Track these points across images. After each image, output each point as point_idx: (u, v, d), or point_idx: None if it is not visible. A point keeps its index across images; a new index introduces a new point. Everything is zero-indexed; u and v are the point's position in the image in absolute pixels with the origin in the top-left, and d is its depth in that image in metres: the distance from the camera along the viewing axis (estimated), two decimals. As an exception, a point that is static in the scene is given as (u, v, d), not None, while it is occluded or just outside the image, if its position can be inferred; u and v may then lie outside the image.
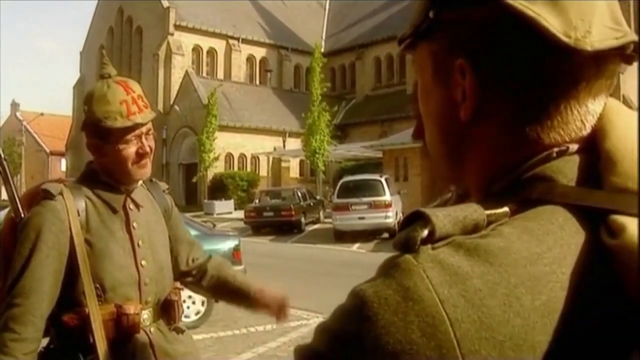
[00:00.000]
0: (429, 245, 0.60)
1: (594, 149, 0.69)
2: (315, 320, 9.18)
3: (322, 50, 46.21)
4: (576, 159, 0.69)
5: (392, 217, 21.29)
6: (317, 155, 32.34)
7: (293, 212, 24.67)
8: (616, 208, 0.62)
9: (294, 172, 42.73)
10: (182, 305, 2.39)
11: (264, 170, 41.59)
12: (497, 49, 0.68)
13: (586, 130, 0.70)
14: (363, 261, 16.74)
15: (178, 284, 2.44)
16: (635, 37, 0.69)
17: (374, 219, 21.11)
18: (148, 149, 2.21)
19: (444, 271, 0.58)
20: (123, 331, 2.13)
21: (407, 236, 0.61)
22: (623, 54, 0.70)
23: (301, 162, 41.16)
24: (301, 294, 11.27)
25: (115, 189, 2.24)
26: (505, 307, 0.57)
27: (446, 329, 0.56)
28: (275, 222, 24.62)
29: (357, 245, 20.25)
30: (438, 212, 0.61)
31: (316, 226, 26.31)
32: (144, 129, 2.19)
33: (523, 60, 0.67)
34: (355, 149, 34.82)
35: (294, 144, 39.60)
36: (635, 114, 0.72)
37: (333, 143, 33.88)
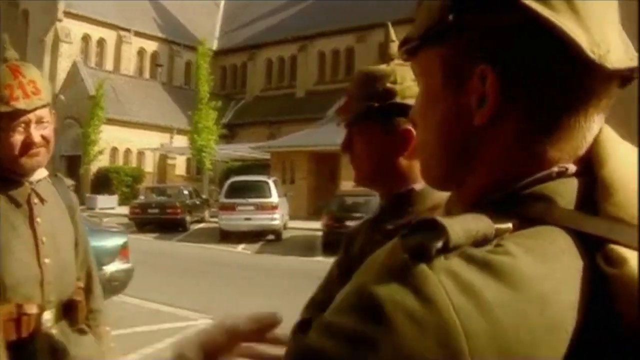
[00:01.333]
0: (442, 256, 0.60)
1: (589, 173, 0.70)
2: (203, 321, 9.20)
3: (215, 48, 46.29)
4: (574, 181, 0.70)
5: (278, 219, 21.61)
6: (203, 154, 32.31)
7: (179, 210, 24.52)
8: (614, 238, 0.64)
9: (180, 169, 42.35)
10: (85, 307, 2.30)
11: (149, 167, 40.95)
12: (523, 57, 0.68)
13: (583, 150, 0.72)
14: (248, 262, 17.00)
15: (81, 284, 2.34)
16: None
17: (260, 220, 21.33)
18: (37, 139, 2.07)
19: (458, 283, 0.58)
20: (23, 332, 2.02)
21: (421, 244, 0.61)
22: (625, 76, 0.71)
23: (188, 160, 40.91)
24: (188, 293, 11.32)
25: (18, 181, 2.13)
26: (515, 323, 0.57)
27: (460, 339, 0.56)
28: (161, 220, 24.35)
29: (242, 246, 20.39)
30: (453, 223, 0.62)
31: (201, 225, 26.22)
32: (32, 117, 2.06)
33: (547, 70, 0.68)
34: (242, 150, 34.97)
35: (182, 141, 39.28)
36: (633, 148, 0.74)
37: (221, 142, 33.92)
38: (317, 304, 1.69)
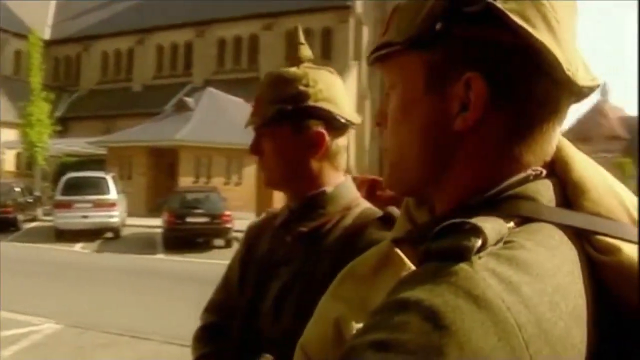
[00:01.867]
0: (477, 255, 0.62)
1: (554, 175, 0.77)
2: (49, 326, 9.05)
3: (47, 37, 44.17)
4: (548, 182, 0.75)
5: (117, 216, 21.37)
6: (36, 149, 31.02)
7: (10, 209, 23.42)
8: (600, 230, 0.71)
9: (10, 165, 40.26)
10: None
11: (-26, 162, 38.61)
12: (508, 70, 0.72)
13: (550, 156, 0.77)
14: (87, 262, 16.77)
15: None
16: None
17: (98, 217, 20.99)
18: None
19: (500, 280, 0.60)
20: None
21: (460, 245, 0.62)
22: (583, 93, 0.77)
23: (18, 154, 38.95)
24: (28, 297, 10.87)
25: None
26: (551, 312, 0.60)
27: (516, 333, 0.57)
28: (-9, 219, 23.09)
29: (80, 244, 19.97)
30: (486, 223, 0.64)
31: (34, 224, 25.22)
32: None
33: (529, 83, 0.72)
34: (77, 144, 33.93)
35: (11, 135, 37.43)
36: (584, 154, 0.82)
37: (54, 136, 32.71)
38: (219, 307, 1.74)
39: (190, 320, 2.06)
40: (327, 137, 1.53)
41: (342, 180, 1.59)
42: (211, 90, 33.61)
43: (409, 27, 0.77)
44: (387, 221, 1.38)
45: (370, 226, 1.44)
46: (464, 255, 0.62)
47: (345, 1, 37.96)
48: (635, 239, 0.71)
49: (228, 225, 19.42)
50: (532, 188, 0.75)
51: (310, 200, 1.55)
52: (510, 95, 0.73)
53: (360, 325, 0.68)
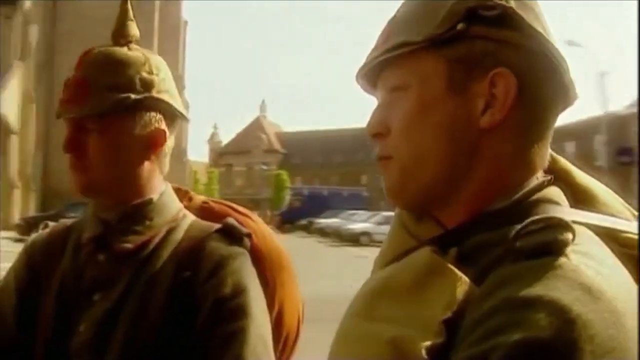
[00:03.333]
0: (568, 248, 0.64)
1: (558, 182, 0.80)
2: None
3: None
4: (557, 188, 0.78)
5: None
6: None
7: None
8: (623, 229, 0.76)
9: None
10: None
11: None
12: (526, 69, 0.75)
13: (547, 163, 0.81)
14: None
15: None
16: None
17: None
18: None
19: (595, 271, 0.63)
20: None
21: (555, 240, 0.64)
22: (571, 101, 0.82)
23: None
24: None
25: None
26: (627, 299, 0.63)
27: (625, 320, 0.60)
28: None
29: None
30: (569, 219, 0.67)
31: None
32: None
33: (541, 84, 0.76)
34: None
35: None
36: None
37: None
38: None
39: None
40: (167, 135, 1.30)
41: (164, 187, 1.34)
42: None
43: (426, 28, 0.77)
44: (228, 234, 1.27)
45: (209, 240, 1.25)
46: (561, 249, 0.64)
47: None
48: None
49: None
50: (552, 192, 0.77)
51: (134, 210, 1.28)
52: (530, 96, 0.76)
53: (427, 342, 0.66)
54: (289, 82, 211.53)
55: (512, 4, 0.76)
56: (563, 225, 0.66)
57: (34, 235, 1.41)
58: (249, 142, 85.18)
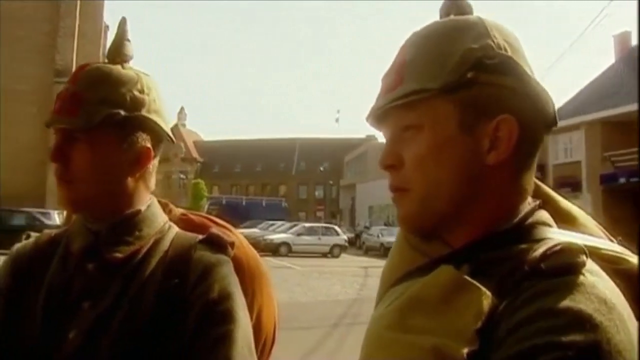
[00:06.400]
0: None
1: (543, 207, 0.90)
2: None
3: None
4: (545, 212, 0.90)
5: None
6: None
7: None
8: (603, 247, 0.87)
9: None
10: None
11: None
12: (526, 112, 0.85)
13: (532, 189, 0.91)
14: None
15: None
16: None
17: None
18: None
19: (602, 285, 0.75)
20: None
21: (575, 262, 0.76)
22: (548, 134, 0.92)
23: None
24: None
25: None
26: (625, 306, 0.75)
27: (628, 324, 0.73)
28: None
29: None
30: (581, 244, 0.79)
31: None
32: None
33: (538, 125, 0.88)
34: None
35: None
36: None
37: None
38: None
39: None
40: (152, 155, 1.35)
41: (150, 200, 1.40)
42: None
43: (439, 75, 0.86)
44: (213, 243, 1.32)
45: (196, 249, 1.31)
46: (579, 269, 0.76)
47: None
48: (625, 252, 0.89)
49: None
50: (544, 216, 0.89)
51: (124, 220, 1.33)
52: (527, 134, 0.87)
53: (465, 349, 0.75)
54: (208, 90, 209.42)
55: (509, 51, 0.87)
56: (578, 250, 0.78)
57: (17, 245, 1.44)
58: (167, 150, 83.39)
